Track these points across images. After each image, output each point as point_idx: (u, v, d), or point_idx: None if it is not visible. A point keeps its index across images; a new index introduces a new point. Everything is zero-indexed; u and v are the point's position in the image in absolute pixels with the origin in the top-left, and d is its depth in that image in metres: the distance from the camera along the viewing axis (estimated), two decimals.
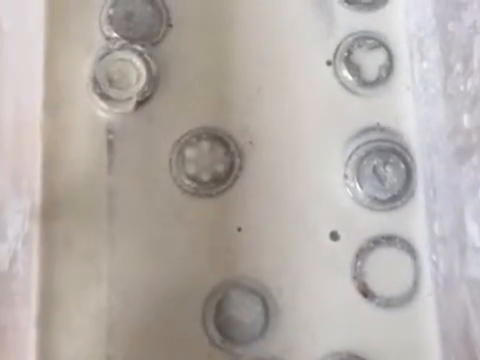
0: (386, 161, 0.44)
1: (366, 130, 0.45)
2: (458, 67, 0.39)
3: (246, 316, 0.42)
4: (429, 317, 0.43)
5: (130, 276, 0.42)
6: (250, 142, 0.44)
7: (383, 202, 0.44)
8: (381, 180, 0.44)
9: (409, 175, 0.44)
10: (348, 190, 0.44)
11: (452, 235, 0.40)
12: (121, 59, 0.44)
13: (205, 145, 0.44)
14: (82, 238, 0.43)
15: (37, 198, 0.43)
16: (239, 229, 0.43)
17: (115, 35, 0.45)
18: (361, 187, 0.44)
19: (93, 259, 0.43)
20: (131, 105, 0.44)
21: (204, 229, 0.43)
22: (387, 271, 0.43)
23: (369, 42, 0.46)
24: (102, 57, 0.44)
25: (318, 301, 0.43)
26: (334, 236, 0.44)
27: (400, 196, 0.44)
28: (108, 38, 0.45)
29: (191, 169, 0.44)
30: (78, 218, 0.43)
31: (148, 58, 0.44)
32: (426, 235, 0.43)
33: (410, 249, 0.43)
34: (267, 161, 0.44)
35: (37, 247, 0.42)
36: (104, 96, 0.44)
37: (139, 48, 0.44)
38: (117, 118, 0.44)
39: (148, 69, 0.44)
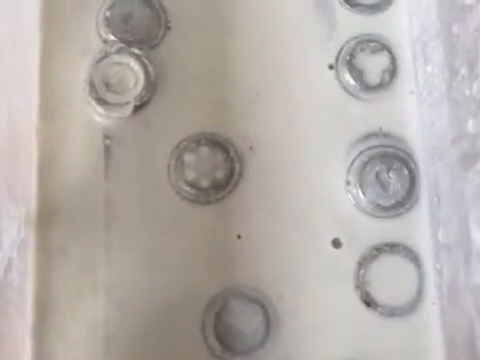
0: (389, 167, 0.44)
1: (369, 135, 0.44)
2: (463, 71, 0.38)
3: (246, 325, 0.42)
4: (433, 327, 0.42)
5: (127, 285, 0.42)
6: (250, 147, 0.44)
7: (386, 209, 0.44)
8: (384, 186, 0.44)
9: (413, 181, 0.44)
10: (350, 197, 0.44)
11: (457, 242, 0.39)
12: (118, 63, 0.44)
13: (204, 150, 0.44)
14: (78, 246, 0.42)
15: (32, 205, 0.42)
16: (239, 236, 0.43)
17: (112, 38, 0.44)
18: (364, 194, 0.44)
19: (90, 267, 0.42)
20: (129, 110, 0.44)
21: (203, 237, 0.43)
22: (390, 279, 0.43)
23: (372, 45, 0.45)
24: (99, 60, 0.44)
25: (320, 310, 0.43)
26: (336, 244, 0.43)
27: (403, 203, 0.44)
28: (105, 41, 0.44)
29: (190, 175, 0.43)
30: (74, 225, 0.43)
31: (146, 62, 0.44)
32: (430, 243, 0.43)
33: (414, 257, 0.43)
34: (268, 167, 0.44)
35: (32, 255, 0.42)
36: (101, 100, 0.43)
37: (137, 51, 0.44)
38: (114, 123, 0.44)
39: (146, 73, 0.44)
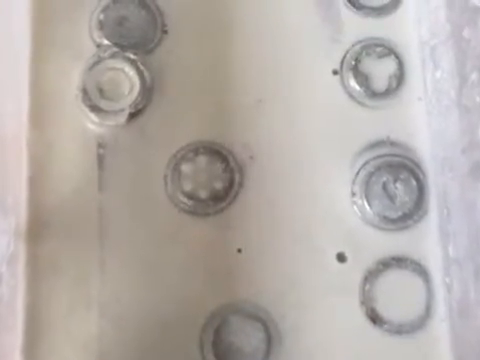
0: (396, 177, 0.43)
1: (375, 144, 0.44)
2: (474, 76, 0.39)
3: (246, 343, 0.42)
4: (442, 344, 0.42)
5: (122, 300, 0.42)
6: (251, 157, 0.44)
7: (393, 221, 0.43)
8: (391, 198, 0.43)
9: (421, 192, 0.43)
10: (356, 208, 0.43)
11: (467, 256, 0.39)
12: (113, 68, 0.44)
13: (202, 160, 0.43)
14: (71, 260, 0.42)
15: (23, 217, 0.42)
16: (239, 250, 0.43)
17: (106, 42, 0.44)
18: (370, 205, 0.43)
19: (82, 282, 0.42)
20: (123, 117, 0.43)
21: (202, 250, 0.42)
22: (397, 295, 0.43)
23: (378, 50, 0.45)
24: (92, 66, 0.44)
25: (323, 327, 0.42)
26: (341, 258, 0.43)
27: (411, 215, 0.43)
28: (99, 45, 0.44)
29: (188, 186, 0.43)
30: (66, 238, 0.42)
31: (141, 67, 0.44)
32: (439, 256, 0.43)
33: (422, 271, 0.43)
34: (269, 177, 0.43)
35: (23, 269, 0.42)
36: (95, 108, 0.43)
37: (132, 56, 0.44)
38: (108, 131, 0.43)
39: (141, 79, 0.43)
